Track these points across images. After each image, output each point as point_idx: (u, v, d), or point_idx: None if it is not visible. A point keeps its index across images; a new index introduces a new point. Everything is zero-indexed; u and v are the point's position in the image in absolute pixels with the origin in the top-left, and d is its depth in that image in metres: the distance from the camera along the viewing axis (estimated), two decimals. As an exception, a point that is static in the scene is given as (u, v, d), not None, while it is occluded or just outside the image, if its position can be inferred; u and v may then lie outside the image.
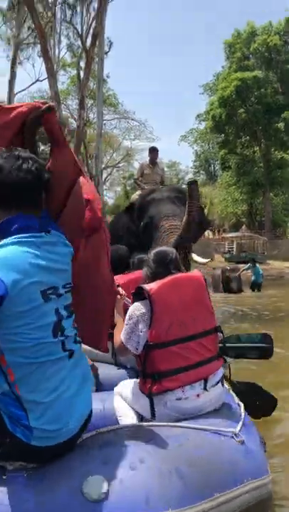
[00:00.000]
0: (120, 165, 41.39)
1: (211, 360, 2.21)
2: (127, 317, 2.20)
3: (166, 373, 2.10)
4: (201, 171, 50.31)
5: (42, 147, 34.48)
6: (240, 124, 32.39)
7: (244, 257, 26.69)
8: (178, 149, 75.26)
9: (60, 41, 26.62)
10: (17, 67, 26.75)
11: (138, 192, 6.70)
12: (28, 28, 26.40)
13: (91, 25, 21.88)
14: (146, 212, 5.86)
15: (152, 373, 2.11)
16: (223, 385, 2.28)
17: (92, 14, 22.20)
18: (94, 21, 21.24)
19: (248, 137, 34.31)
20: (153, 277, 2.29)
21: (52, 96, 21.53)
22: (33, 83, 29.67)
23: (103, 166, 31.07)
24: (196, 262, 6.01)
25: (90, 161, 30.67)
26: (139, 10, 64.56)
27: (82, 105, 21.56)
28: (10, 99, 26.22)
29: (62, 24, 26.07)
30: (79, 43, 24.93)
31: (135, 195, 6.69)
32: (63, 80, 32.99)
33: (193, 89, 67.79)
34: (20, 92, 29.02)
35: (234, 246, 29.89)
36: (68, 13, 24.48)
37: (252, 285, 12.99)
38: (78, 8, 23.59)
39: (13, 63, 26.19)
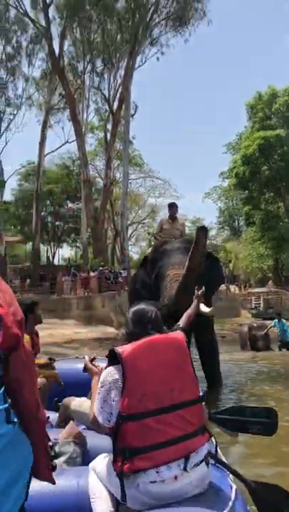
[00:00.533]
0: (145, 221, 42.08)
1: (193, 435, 1.91)
2: (99, 384, 1.98)
3: (138, 450, 1.83)
4: (226, 227, 50.52)
5: (70, 204, 35.50)
6: (264, 180, 32.72)
7: (271, 313, 26.00)
8: (202, 206, 76.30)
9: (88, 106, 28.06)
10: (47, 130, 28.19)
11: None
12: (59, 94, 28.00)
13: (118, 90, 23.07)
14: (157, 264, 6.00)
15: (123, 449, 1.84)
16: (208, 464, 1.96)
17: (119, 80, 23.47)
18: (120, 87, 22.40)
19: (271, 193, 34.56)
20: (129, 338, 2.05)
21: (80, 156, 22.48)
22: (62, 145, 31.06)
23: (129, 222, 31.70)
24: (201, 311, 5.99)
25: (116, 218, 31.33)
26: (163, 72, 67.89)
27: (108, 165, 22.36)
28: (40, 160, 27.43)
29: (91, 90, 27.52)
30: (106, 107, 26.18)
31: (150, 250, 6.80)
32: (91, 141, 34.46)
33: (216, 148, 69.64)
34: (49, 153, 30.38)
35: (261, 302, 29.26)
36: (96, 79, 25.84)
37: (280, 345, 12.43)
38: (106, 75, 24.87)
39: (44, 127, 27.60)
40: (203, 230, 5.16)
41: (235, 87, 73.95)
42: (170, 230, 6.82)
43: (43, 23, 22.87)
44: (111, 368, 1.95)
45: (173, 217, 7.00)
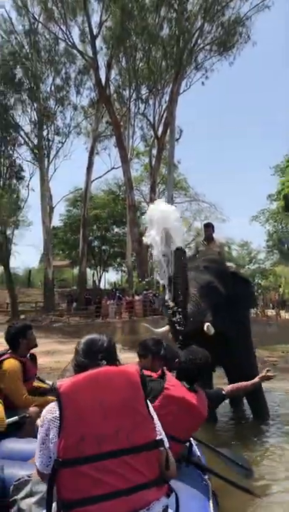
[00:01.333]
0: (191, 245, 41.84)
1: (142, 487, 1.60)
2: (39, 422, 1.72)
3: (71, 504, 1.55)
4: (275, 250, 49.34)
5: (116, 229, 35.74)
6: (313, 203, 31.87)
7: None
8: (250, 229, 75.34)
9: (134, 132, 28.49)
10: (94, 156, 28.76)
11: None
12: (106, 122, 28.64)
13: (162, 115, 23.30)
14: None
15: (58, 502, 1.57)
16: None
17: (164, 106, 23.72)
18: (165, 112, 22.62)
19: None
20: (77, 370, 1.80)
21: (125, 182, 22.71)
22: (108, 171, 31.60)
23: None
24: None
25: (161, 242, 31.26)
26: (208, 96, 68.29)
27: (153, 189, 22.45)
28: (87, 186, 27.94)
29: (136, 116, 27.95)
30: (151, 132, 26.45)
31: None
32: (136, 167, 34.88)
33: (263, 170, 68.89)
34: (96, 179, 30.95)
35: (313, 328, 28.06)
36: (141, 106, 26.22)
37: None
38: (151, 102, 25.21)
39: (91, 153, 28.19)
40: (178, 251, 4.85)
41: (282, 109, 73.23)
42: (206, 252, 6.42)
43: (90, 53, 23.59)
44: (52, 404, 1.67)
45: (209, 239, 6.61)
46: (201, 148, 71.07)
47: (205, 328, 4.91)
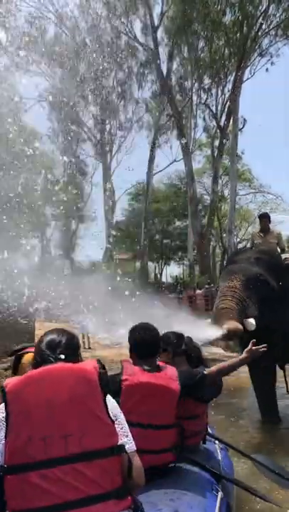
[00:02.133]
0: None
1: (97, 499, 1.42)
2: None
3: None
4: None
5: (177, 223, 35.56)
6: None
7: None
8: None
9: (196, 123, 28.02)
10: (156, 150, 28.65)
11: None
12: (167, 114, 28.39)
13: (225, 104, 22.71)
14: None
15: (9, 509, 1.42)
16: None
17: (227, 95, 23.09)
18: (228, 101, 22.02)
19: None
20: (34, 366, 1.65)
21: (186, 173, 22.41)
22: (170, 164, 31.32)
23: (238, 239, 30.80)
24: None
25: (224, 235, 30.67)
26: (274, 83, 65.89)
27: (215, 180, 21.98)
28: (149, 180, 27.93)
29: (199, 107, 27.44)
30: (214, 123, 25.89)
31: None
32: (199, 159, 34.33)
33: None
34: (158, 172, 30.82)
35: None
36: (204, 96, 25.70)
37: None
38: (213, 91, 24.64)
39: (153, 147, 28.10)
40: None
41: None
42: (262, 245, 6.12)
43: (152, 46, 23.43)
44: (2, 405, 1.51)
45: (265, 230, 6.30)
46: (266, 138, 68.88)
47: (244, 323, 4.61)
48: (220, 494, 2.23)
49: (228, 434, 4.90)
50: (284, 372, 6.14)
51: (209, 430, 3.19)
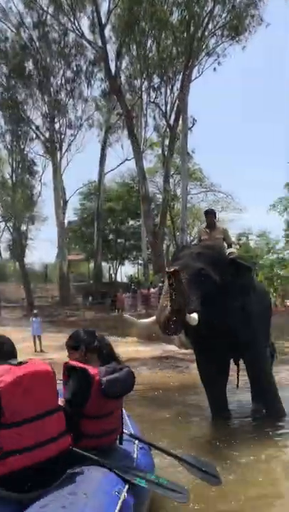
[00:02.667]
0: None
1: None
2: None
3: None
4: (294, 240, 48.41)
5: (131, 222, 35.59)
6: None
7: None
8: (268, 218, 73.77)
9: (146, 122, 28.00)
10: (107, 149, 28.45)
11: None
12: (116, 113, 28.24)
13: (175, 103, 22.79)
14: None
15: None
16: None
17: (176, 94, 23.17)
18: (177, 100, 22.12)
19: None
20: None
21: (138, 172, 22.33)
22: (121, 163, 31.15)
23: (191, 237, 31.09)
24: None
25: (177, 233, 30.87)
26: (222, 83, 67.09)
27: (166, 179, 22.01)
28: (100, 179, 27.70)
29: (149, 106, 27.43)
30: (164, 122, 25.95)
31: None
32: (150, 158, 34.40)
33: (281, 159, 67.27)
34: (110, 171, 30.61)
35: None
36: (153, 95, 25.68)
37: None
38: (163, 90, 24.64)
39: (104, 146, 27.89)
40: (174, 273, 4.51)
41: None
42: (208, 240, 6.17)
43: (100, 43, 23.17)
44: None
45: (211, 226, 6.33)
46: (216, 137, 70.05)
47: (187, 319, 4.59)
48: (123, 496, 2.18)
49: (172, 432, 4.83)
50: (237, 367, 6.16)
51: (131, 430, 3.16)
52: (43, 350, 14.93)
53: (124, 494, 2.21)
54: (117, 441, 2.88)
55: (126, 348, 16.80)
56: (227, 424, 5.35)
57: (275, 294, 36.13)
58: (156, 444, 3.15)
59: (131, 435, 3.10)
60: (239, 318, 5.15)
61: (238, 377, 6.16)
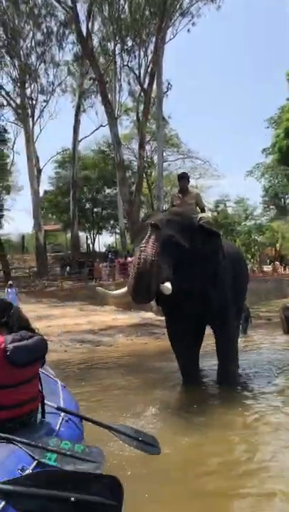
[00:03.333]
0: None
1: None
2: None
3: None
4: (271, 206, 48.66)
5: (107, 190, 35.23)
6: (308, 154, 31.03)
7: None
8: (245, 184, 73.62)
9: (121, 87, 27.27)
10: (81, 115, 27.71)
11: None
12: (90, 78, 27.40)
13: (148, 66, 22.16)
14: (137, 239, 5.32)
15: None
16: None
17: (150, 57, 22.50)
18: (151, 63, 21.51)
19: None
20: None
21: (112, 139, 21.85)
22: (96, 129, 30.48)
23: (168, 206, 30.89)
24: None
25: (154, 202, 30.65)
26: (201, 49, 65.65)
27: (141, 145, 21.58)
28: (75, 146, 27.06)
29: (123, 70, 26.68)
30: (139, 86, 25.31)
31: None
32: (126, 124, 33.74)
33: (258, 125, 67.01)
34: (84, 138, 29.90)
35: (309, 281, 28.04)
36: (126, 58, 24.92)
37: None
38: (137, 54, 23.90)
39: (77, 112, 27.14)
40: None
41: (278, 57, 70.22)
42: (181, 206, 6.02)
43: (70, 2, 22.16)
44: None
45: (183, 191, 6.17)
46: (194, 102, 69.06)
47: (161, 288, 4.54)
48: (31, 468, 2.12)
49: (141, 399, 4.82)
50: (203, 333, 6.18)
51: (61, 402, 3.10)
52: (19, 320, 14.76)
53: (29, 471, 2.11)
54: (37, 413, 2.79)
55: (104, 316, 16.87)
56: (197, 390, 5.36)
57: (252, 260, 36.59)
58: (86, 416, 3.08)
59: (59, 408, 3.00)
60: (211, 284, 5.13)
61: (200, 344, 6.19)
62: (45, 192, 34.72)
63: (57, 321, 15.50)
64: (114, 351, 9.74)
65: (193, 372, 5.71)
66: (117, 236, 35.39)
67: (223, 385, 5.38)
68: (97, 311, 18.15)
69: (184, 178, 6.34)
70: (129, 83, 27.93)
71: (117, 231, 34.18)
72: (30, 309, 17.48)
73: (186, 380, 5.64)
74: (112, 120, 21.40)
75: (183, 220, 5.25)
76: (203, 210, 6.27)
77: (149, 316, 16.92)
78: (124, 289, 5.04)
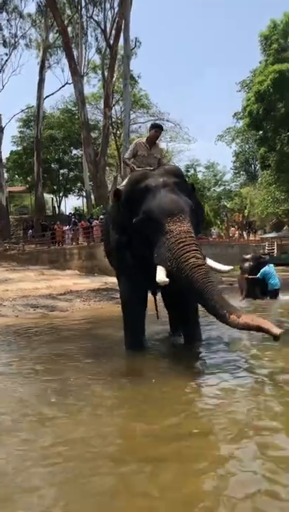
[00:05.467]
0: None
1: None
2: None
3: None
4: (241, 172, 48.46)
5: (74, 151, 34.19)
6: (279, 119, 30.56)
7: (285, 259, 25.07)
8: (216, 150, 72.74)
9: (87, 43, 26.05)
10: (46, 70, 26.46)
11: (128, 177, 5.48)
12: (56, 31, 26.02)
13: (115, 20, 21.08)
14: (140, 206, 4.64)
15: None
16: None
17: (116, 10, 21.42)
18: (117, 17, 20.45)
19: (288, 133, 32.45)
20: None
21: (76, 96, 20.90)
22: (62, 86, 29.31)
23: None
24: (215, 270, 4.76)
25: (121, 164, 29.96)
26: (170, 8, 63.28)
27: (106, 103, 20.76)
28: (39, 103, 25.95)
29: (89, 25, 25.42)
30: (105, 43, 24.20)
31: (122, 181, 5.48)
32: (94, 82, 32.51)
33: (230, 88, 65.79)
34: (49, 96, 28.66)
35: (275, 247, 28.32)
36: (92, 10, 23.70)
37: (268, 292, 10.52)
38: (102, 5, 22.73)
39: (42, 67, 25.89)
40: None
41: (249, 17, 68.52)
42: (146, 158, 5.41)
43: None
44: None
45: (152, 142, 5.50)
46: (164, 63, 67.24)
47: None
48: None
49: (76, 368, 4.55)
50: (155, 299, 5.91)
51: None
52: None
53: None
54: None
55: (65, 281, 16.51)
56: (141, 355, 5.09)
57: (220, 226, 36.60)
58: None
59: None
60: None
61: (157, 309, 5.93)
62: (11, 152, 33.49)
63: (15, 285, 15.07)
64: (66, 317, 9.42)
65: (142, 334, 5.49)
66: (84, 199, 34.69)
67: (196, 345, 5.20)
68: (58, 276, 17.78)
69: (158, 127, 5.69)
70: (97, 39, 26.77)
71: (84, 194, 33.46)
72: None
73: (133, 342, 5.33)
74: (77, 77, 20.44)
75: (183, 181, 4.96)
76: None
77: (111, 280, 16.68)
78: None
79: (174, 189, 4.63)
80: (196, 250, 4.28)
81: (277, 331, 3.67)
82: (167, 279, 4.25)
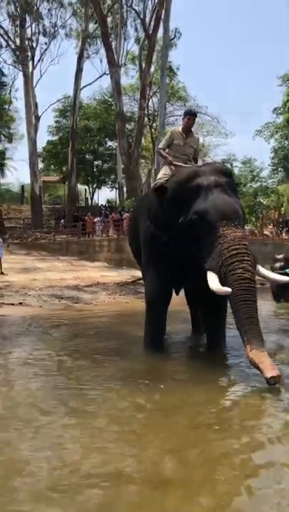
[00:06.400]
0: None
1: None
2: None
3: None
4: (280, 168, 47.23)
5: (109, 143, 34.03)
6: None
7: None
8: (253, 144, 71.36)
9: (126, 33, 25.73)
10: (84, 60, 26.34)
11: (165, 169, 5.08)
12: (95, 21, 25.85)
13: (155, 10, 20.69)
14: (191, 205, 4.36)
15: None
16: None
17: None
18: (157, 6, 20.06)
19: None
20: None
21: (112, 86, 20.69)
22: (99, 76, 29.08)
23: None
24: (268, 279, 4.82)
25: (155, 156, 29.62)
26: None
27: (143, 94, 20.48)
28: (76, 93, 25.88)
29: (130, 15, 25.07)
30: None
31: (163, 174, 5.13)
32: (132, 74, 32.17)
33: (272, 82, 64.16)
34: (86, 86, 28.56)
35: (311, 248, 27.49)
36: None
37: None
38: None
39: (80, 57, 25.78)
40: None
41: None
42: (182, 147, 5.10)
43: None
44: None
45: (188, 131, 5.17)
46: (205, 56, 66.17)
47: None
48: None
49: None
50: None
51: None
52: (4, 272, 14.37)
53: None
54: None
55: (92, 273, 16.42)
56: (158, 358, 4.86)
57: (255, 223, 35.79)
58: None
59: None
60: None
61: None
62: (47, 142, 33.65)
63: (43, 275, 15.07)
64: (89, 309, 9.26)
65: (161, 338, 5.32)
66: (117, 191, 34.58)
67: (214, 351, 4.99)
68: (86, 267, 17.71)
69: (192, 114, 5.32)
70: (136, 29, 26.41)
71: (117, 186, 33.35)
72: (17, 261, 17.09)
73: (156, 340, 5.17)
74: (114, 67, 20.22)
75: (231, 180, 4.74)
76: (196, 160, 5.50)
77: (139, 274, 16.48)
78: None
79: (227, 190, 4.38)
80: (247, 261, 4.00)
81: (270, 373, 3.38)
82: (227, 288, 3.93)
